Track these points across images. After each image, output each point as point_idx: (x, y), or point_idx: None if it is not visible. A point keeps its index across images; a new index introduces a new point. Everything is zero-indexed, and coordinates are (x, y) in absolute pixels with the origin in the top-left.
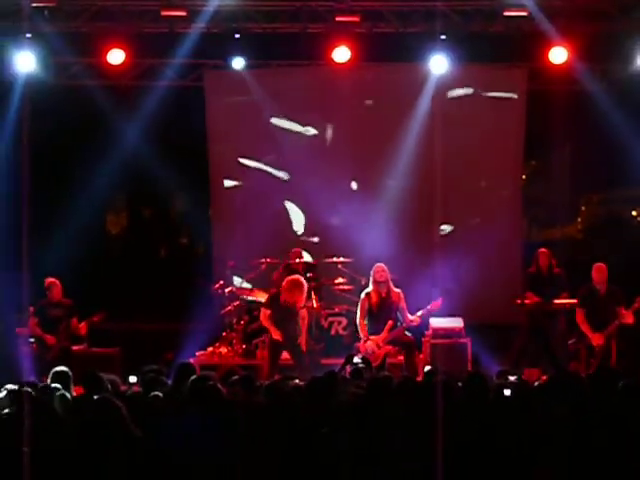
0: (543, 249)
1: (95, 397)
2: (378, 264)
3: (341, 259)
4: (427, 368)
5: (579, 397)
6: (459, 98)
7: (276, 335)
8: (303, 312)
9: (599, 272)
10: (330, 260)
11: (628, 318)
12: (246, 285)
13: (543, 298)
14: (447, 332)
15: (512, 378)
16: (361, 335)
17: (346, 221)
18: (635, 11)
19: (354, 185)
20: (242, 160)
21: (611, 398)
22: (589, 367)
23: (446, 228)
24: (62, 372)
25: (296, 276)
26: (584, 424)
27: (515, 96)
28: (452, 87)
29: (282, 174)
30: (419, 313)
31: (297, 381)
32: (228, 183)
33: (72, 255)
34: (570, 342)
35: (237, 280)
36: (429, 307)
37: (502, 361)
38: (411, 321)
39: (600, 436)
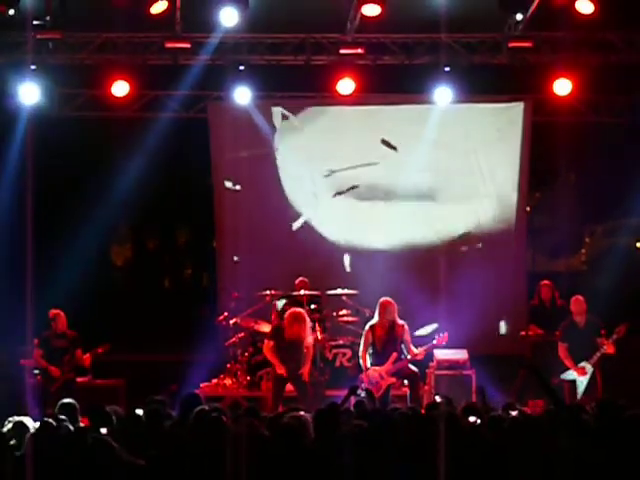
0: (546, 281)
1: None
2: (384, 297)
3: (346, 291)
4: (437, 399)
5: (583, 429)
6: (463, 129)
7: (280, 370)
8: (307, 343)
9: (578, 305)
10: (334, 292)
11: (609, 348)
12: None
13: (546, 330)
14: (451, 363)
15: (514, 413)
16: (362, 366)
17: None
18: (639, 42)
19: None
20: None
21: (616, 430)
22: (574, 400)
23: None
24: (69, 404)
25: (297, 309)
26: (588, 456)
27: (519, 127)
28: (456, 119)
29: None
30: (424, 347)
31: (301, 413)
32: (232, 214)
33: (77, 286)
34: (554, 377)
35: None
36: (434, 342)
37: (507, 393)
38: (415, 355)
39: (604, 467)
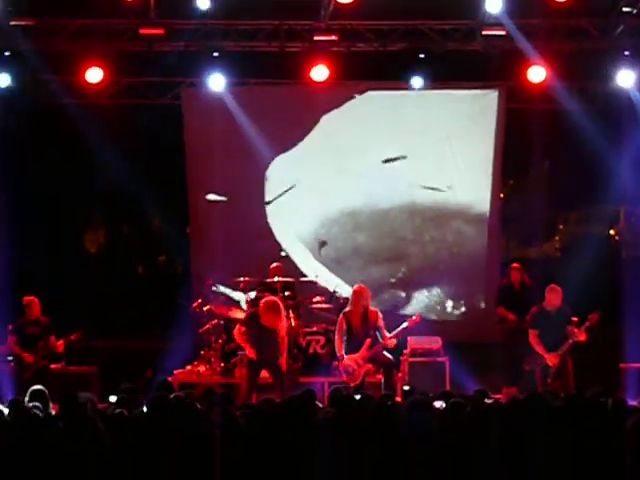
0: (515, 264)
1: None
2: (357, 284)
3: (320, 278)
4: (405, 388)
5: (554, 416)
6: (437, 116)
7: (251, 354)
8: (282, 332)
9: (554, 294)
10: (309, 279)
11: (581, 336)
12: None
13: (514, 312)
14: (425, 351)
15: (488, 401)
16: (338, 353)
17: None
18: (613, 29)
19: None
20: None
21: (583, 417)
22: (546, 387)
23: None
24: (39, 390)
25: (272, 298)
26: (558, 442)
27: (493, 114)
28: (430, 106)
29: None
30: (396, 331)
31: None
32: (207, 200)
33: (50, 272)
34: (525, 364)
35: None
36: (406, 325)
37: (480, 380)
38: (389, 339)
39: (575, 454)
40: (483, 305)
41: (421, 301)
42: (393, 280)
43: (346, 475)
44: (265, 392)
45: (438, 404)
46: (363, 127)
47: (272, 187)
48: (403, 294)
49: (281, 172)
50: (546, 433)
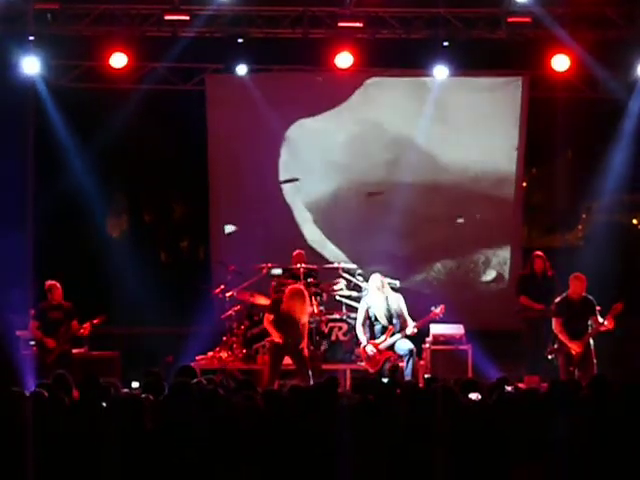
0: (538, 252)
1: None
2: (375, 273)
3: (342, 264)
4: (426, 376)
5: (579, 405)
6: (460, 104)
7: (277, 338)
8: (303, 320)
9: (579, 283)
10: (331, 265)
11: (609, 324)
12: None
13: (536, 301)
14: (447, 339)
15: (509, 388)
16: (361, 340)
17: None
18: (638, 18)
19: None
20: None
21: (609, 405)
22: (568, 375)
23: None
24: (62, 375)
25: (297, 286)
26: (584, 432)
27: (517, 103)
28: (454, 93)
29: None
30: (421, 320)
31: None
32: (228, 187)
33: (72, 258)
34: (547, 351)
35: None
36: (430, 315)
37: (503, 368)
38: (412, 327)
39: (600, 443)
40: (506, 293)
41: (419, 275)
42: (399, 255)
43: (370, 462)
44: (287, 378)
45: (474, 396)
46: (387, 113)
47: (290, 149)
48: (403, 269)
49: (300, 138)
50: (569, 421)
